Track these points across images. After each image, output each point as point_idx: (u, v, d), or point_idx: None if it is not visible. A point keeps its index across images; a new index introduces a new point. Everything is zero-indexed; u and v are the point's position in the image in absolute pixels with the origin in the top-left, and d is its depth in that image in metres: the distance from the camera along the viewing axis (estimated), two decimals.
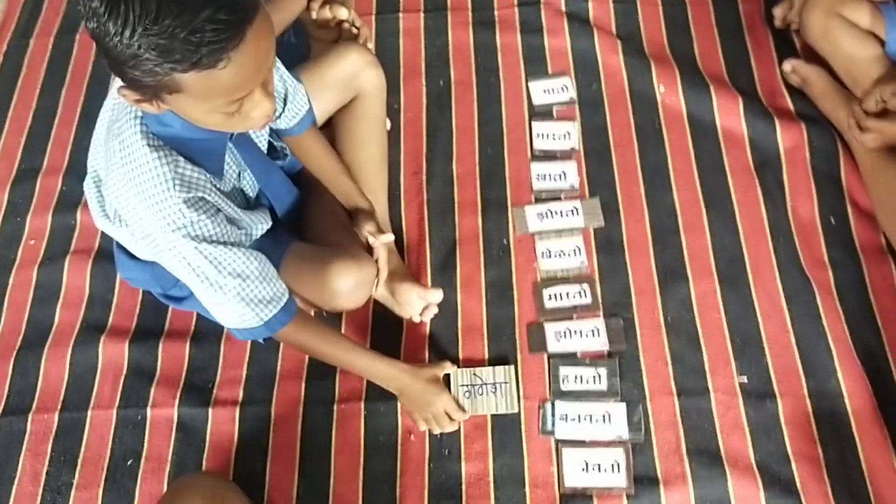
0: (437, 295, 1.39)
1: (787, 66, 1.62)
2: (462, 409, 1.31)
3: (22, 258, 1.57)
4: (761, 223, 1.47)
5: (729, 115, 1.59)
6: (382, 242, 1.36)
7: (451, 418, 1.30)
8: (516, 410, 1.32)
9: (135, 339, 1.44)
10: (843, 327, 1.36)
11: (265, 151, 1.28)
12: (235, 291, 1.12)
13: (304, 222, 1.40)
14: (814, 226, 1.47)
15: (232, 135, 1.13)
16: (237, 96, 0.92)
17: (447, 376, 1.35)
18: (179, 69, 0.85)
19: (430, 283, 1.46)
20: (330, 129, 1.51)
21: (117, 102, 1.07)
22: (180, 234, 1.06)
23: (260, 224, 1.26)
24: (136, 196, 1.05)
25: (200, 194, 1.07)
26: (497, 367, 1.35)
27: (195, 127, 1.01)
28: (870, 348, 1.34)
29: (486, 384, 1.34)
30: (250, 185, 1.27)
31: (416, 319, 1.41)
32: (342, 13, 1.58)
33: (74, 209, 1.61)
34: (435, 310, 1.41)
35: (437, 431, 1.31)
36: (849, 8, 1.53)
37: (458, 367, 1.36)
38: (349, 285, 1.26)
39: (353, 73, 1.47)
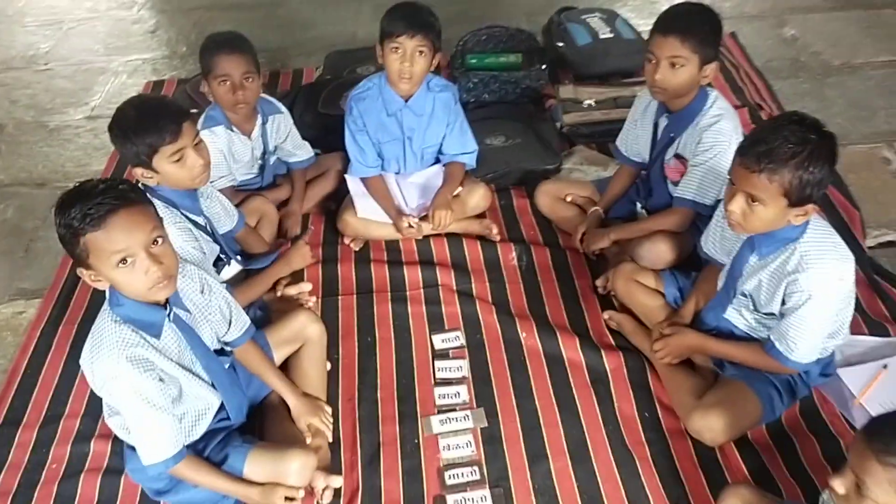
0: (338, 480, 1.91)
1: (607, 315, 2.35)
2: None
3: (45, 478, 2.01)
4: (597, 419, 2.07)
5: (571, 349, 2.26)
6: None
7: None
8: None
9: None
10: (657, 485, 1.90)
11: (211, 349, 1.81)
12: (172, 415, 1.65)
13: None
14: (634, 418, 2.07)
15: (170, 314, 1.64)
16: (109, 255, 1.48)
17: None
18: (68, 240, 1.49)
19: (360, 474, 1.96)
20: (286, 369, 2.11)
21: None
22: (132, 366, 1.56)
23: (205, 397, 1.79)
24: (101, 350, 1.57)
25: (140, 348, 1.59)
26: None
27: (139, 304, 1.58)
28: (676, 498, 1.87)
29: None
30: (193, 362, 1.76)
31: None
32: (304, 286, 2.34)
33: (89, 441, 2.09)
34: (331, 493, 1.90)
35: None
36: (640, 275, 2.30)
37: None
38: (298, 467, 1.80)
39: (301, 327, 2.12)
